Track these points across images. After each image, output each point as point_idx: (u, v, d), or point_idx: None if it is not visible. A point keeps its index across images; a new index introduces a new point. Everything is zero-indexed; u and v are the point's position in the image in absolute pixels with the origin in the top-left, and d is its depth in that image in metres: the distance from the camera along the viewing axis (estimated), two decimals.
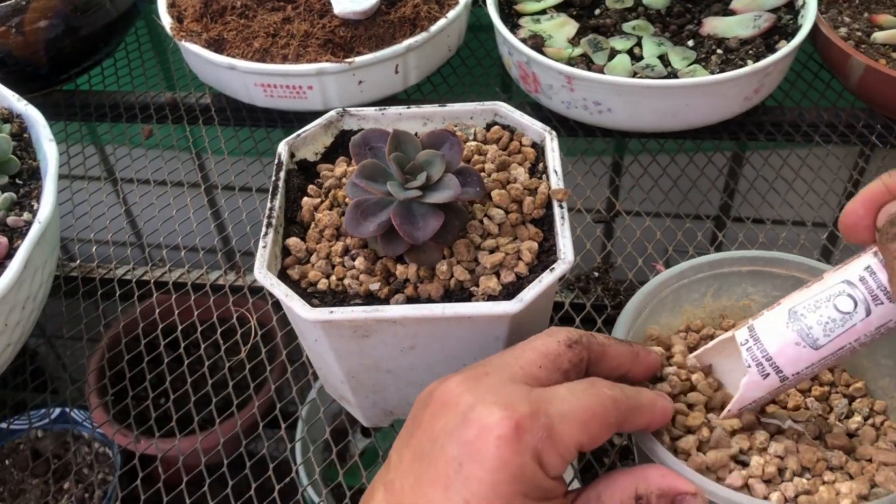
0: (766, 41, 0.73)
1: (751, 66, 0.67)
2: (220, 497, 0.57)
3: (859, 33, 0.74)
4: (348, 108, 0.57)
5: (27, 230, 0.56)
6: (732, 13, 0.77)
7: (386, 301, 0.46)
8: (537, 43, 0.73)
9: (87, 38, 0.82)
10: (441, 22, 0.75)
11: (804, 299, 0.43)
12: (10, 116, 0.65)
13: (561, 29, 0.76)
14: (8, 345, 0.56)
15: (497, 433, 0.35)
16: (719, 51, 0.72)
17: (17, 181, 0.61)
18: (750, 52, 0.71)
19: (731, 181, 0.79)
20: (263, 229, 0.49)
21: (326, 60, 0.72)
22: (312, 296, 0.47)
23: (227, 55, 0.75)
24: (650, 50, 0.73)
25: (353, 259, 0.48)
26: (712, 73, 0.69)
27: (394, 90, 0.77)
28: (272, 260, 0.48)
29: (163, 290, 0.71)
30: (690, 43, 0.74)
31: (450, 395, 0.37)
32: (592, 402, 0.37)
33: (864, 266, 0.41)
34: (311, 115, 0.58)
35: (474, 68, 0.86)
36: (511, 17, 0.79)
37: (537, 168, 0.53)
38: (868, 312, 0.41)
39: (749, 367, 0.44)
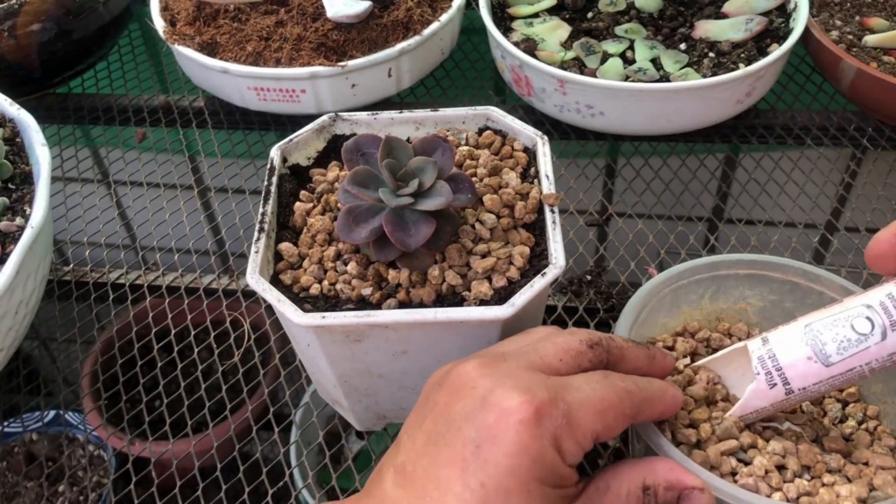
0: (758, 44, 0.73)
1: (742, 70, 0.68)
2: (214, 500, 0.57)
3: (850, 36, 0.75)
4: (341, 113, 0.57)
5: (20, 235, 0.56)
6: (724, 16, 0.77)
7: (378, 306, 0.46)
8: (530, 46, 0.74)
9: (80, 42, 0.82)
10: (434, 25, 0.76)
11: (822, 317, 0.43)
12: (2, 121, 0.65)
13: (553, 32, 0.76)
14: (1, 349, 0.56)
15: (518, 417, 0.35)
16: (711, 54, 0.73)
17: (10, 186, 0.61)
18: (742, 55, 0.72)
19: (724, 184, 0.79)
20: (255, 234, 0.49)
21: (319, 64, 0.72)
22: (305, 301, 0.47)
23: (220, 59, 0.75)
24: (642, 53, 0.73)
25: (346, 264, 0.48)
26: (704, 76, 0.69)
27: (387, 93, 0.77)
28: (264, 265, 0.48)
29: (156, 294, 0.71)
30: (683, 46, 0.74)
31: (467, 379, 0.37)
32: (608, 392, 0.38)
33: (887, 293, 0.42)
34: (304, 119, 0.59)
35: (467, 71, 0.87)
36: (504, 21, 0.79)
37: (529, 173, 0.53)
38: (884, 336, 0.41)
39: (758, 374, 0.44)
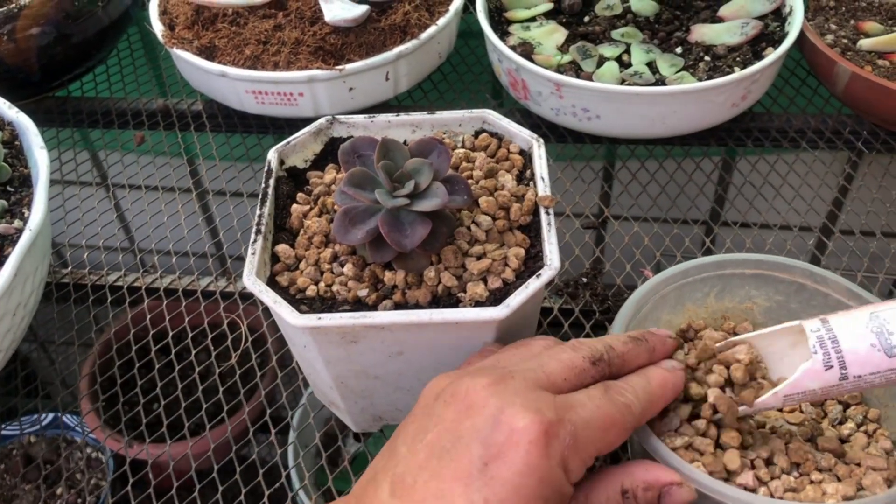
0: (754, 48, 0.73)
1: (738, 73, 0.68)
2: (211, 502, 0.57)
3: (845, 40, 0.75)
4: (338, 116, 0.57)
5: (18, 237, 0.56)
6: (720, 20, 0.77)
7: (374, 307, 0.47)
8: (526, 50, 0.74)
9: (79, 45, 0.83)
10: (431, 29, 0.76)
11: (889, 307, 0.42)
12: (1, 124, 0.66)
13: (550, 36, 0.77)
14: None
15: (528, 437, 0.36)
16: (707, 58, 0.73)
17: (9, 188, 0.62)
18: (737, 59, 0.72)
19: (719, 187, 0.79)
20: (252, 236, 0.49)
21: (317, 67, 0.72)
22: (301, 302, 0.47)
23: (219, 62, 0.75)
24: (638, 57, 0.73)
25: (342, 266, 0.48)
26: (700, 79, 0.70)
27: (384, 97, 0.78)
28: (261, 266, 0.48)
29: (154, 297, 0.71)
30: (679, 50, 0.75)
31: (477, 398, 0.38)
32: (611, 409, 0.39)
33: None
34: (302, 122, 0.59)
35: (465, 75, 0.87)
36: (501, 25, 0.79)
37: (525, 175, 0.53)
38: None
39: (815, 353, 0.42)
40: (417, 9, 0.77)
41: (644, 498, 0.40)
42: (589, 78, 0.71)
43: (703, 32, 0.76)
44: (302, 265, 0.49)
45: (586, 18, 0.80)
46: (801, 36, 0.74)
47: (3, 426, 0.86)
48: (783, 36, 0.73)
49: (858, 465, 0.47)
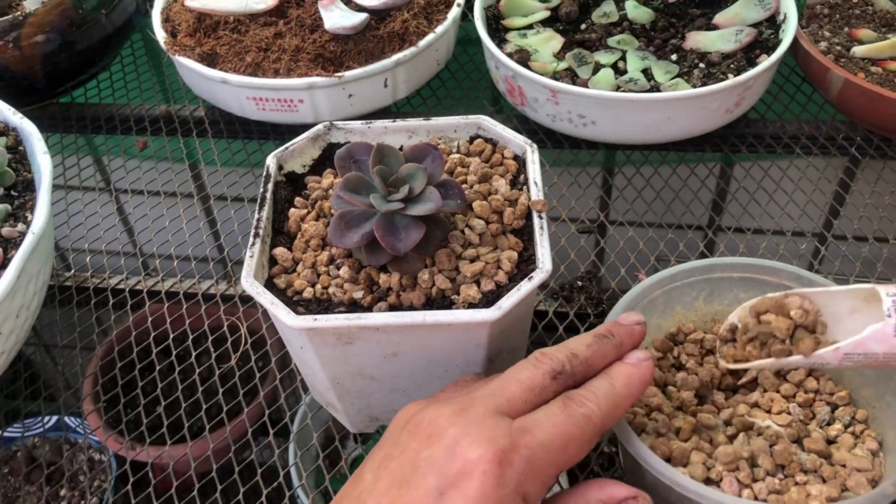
0: (748, 55, 0.74)
1: (732, 80, 0.69)
2: (209, 502, 0.58)
3: (839, 47, 0.76)
4: (335, 122, 0.58)
5: (21, 241, 0.57)
6: (715, 28, 0.78)
7: (369, 309, 0.47)
8: (523, 57, 0.75)
9: (84, 52, 0.84)
10: (429, 37, 0.77)
11: None
12: (5, 129, 0.67)
13: (547, 43, 0.78)
14: (2, 352, 0.58)
15: (482, 468, 0.36)
16: (702, 65, 0.74)
17: (12, 193, 0.63)
18: (731, 65, 0.73)
19: (714, 192, 0.80)
20: (251, 239, 0.50)
21: (317, 75, 0.73)
22: (298, 304, 0.48)
23: (220, 69, 0.76)
24: (634, 64, 0.74)
25: (338, 268, 0.49)
26: (694, 86, 0.71)
27: (383, 103, 0.79)
28: (259, 269, 0.49)
29: (156, 300, 0.72)
30: (674, 57, 0.75)
31: (437, 428, 0.38)
32: (569, 425, 0.39)
33: None
34: (301, 128, 0.60)
35: (463, 82, 0.88)
36: (498, 32, 0.80)
37: (518, 180, 0.54)
38: None
39: (889, 316, 0.41)
40: (416, 17, 0.78)
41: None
42: (585, 85, 0.72)
43: (697, 40, 0.76)
44: (299, 268, 0.50)
45: (583, 26, 0.81)
46: (795, 43, 0.75)
47: (7, 428, 0.87)
48: (777, 43, 0.74)
49: (844, 466, 0.47)
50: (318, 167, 0.57)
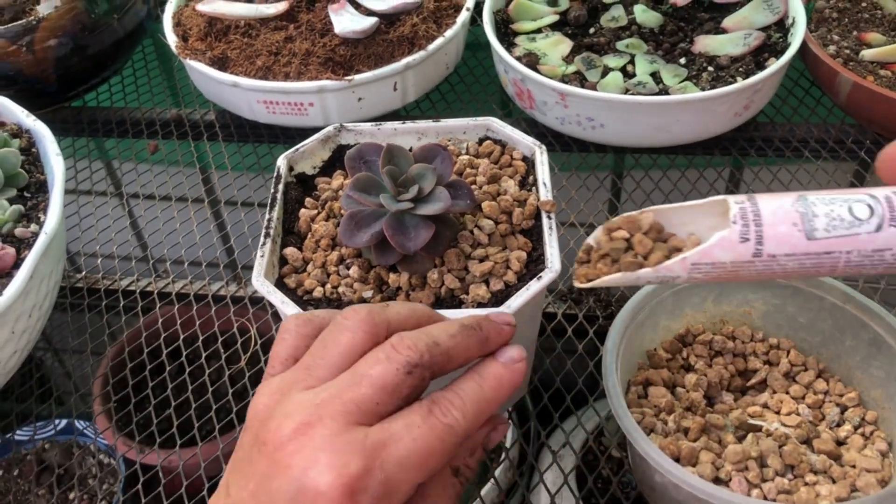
0: (756, 59, 0.74)
1: (740, 83, 0.69)
2: None
3: (848, 51, 0.76)
4: (345, 124, 0.58)
5: (34, 241, 0.57)
6: (724, 31, 0.78)
7: None
8: (532, 61, 0.75)
9: (95, 56, 0.85)
10: (439, 41, 0.77)
11: (819, 193, 0.39)
12: (19, 132, 0.68)
13: (555, 47, 0.78)
14: (15, 352, 0.58)
15: (334, 499, 0.34)
16: (710, 68, 0.74)
17: (25, 194, 0.63)
18: (740, 69, 0.73)
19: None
20: (262, 239, 0.50)
21: (327, 78, 0.74)
22: (308, 303, 0.48)
23: (231, 73, 0.77)
24: (642, 67, 0.75)
25: (348, 268, 0.50)
26: (703, 89, 0.71)
27: (392, 107, 0.79)
28: (269, 269, 0.49)
29: (166, 301, 0.73)
30: (682, 60, 0.76)
31: (283, 453, 0.35)
32: (429, 438, 0.36)
33: (894, 190, 0.38)
34: (311, 131, 0.60)
35: (472, 85, 0.88)
36: (507, 36, 0.81)
37: (527, 181, 0.54)
38: (879, 228, 0.37)
39: (734, 223, 0.39)
40: (425, 21, 0.78)
41: (473, 461, 0.41)
42: (593, 88, 0.72)
43: (706, 43, 0.77)
44: (309, 267, 0.51)
45: (591, 30, 0.81)
46: (804, 46, 0.75)
47: (17, 430, 0.88)
48: (786, 46, 0.74)
49: (854, 466, 0.47)
50: (328, 168, 0.58)
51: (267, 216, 0.52)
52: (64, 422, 0.89)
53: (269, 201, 0.53)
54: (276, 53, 0.77)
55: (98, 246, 0.76)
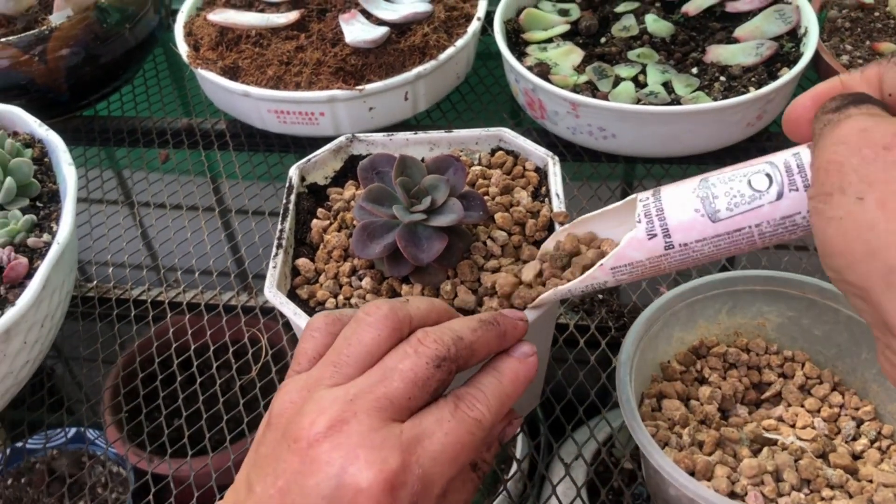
0: (769, 68, 0.74)
1: (753, 93, 0.69)
2: None
3: (861, 60, 0.76)
4: (357, 134, 0.58)
5: (46, 251, 0.57)
6: (736, 41, 0.78)
7: None
8: (543, 70, 0.75)
9: (107, 66, 0.85)
10: (450, 50, 0.77)
11: (723, 172, 0.39)
12: (31, 141, 0.68)
13: (567, 57, 0.78)
14: (27, 362, 0.58)
15: (375, 498, 0.34)
16: (722, 78, 0.74)
17: (38, 204, 0.63)
18: (752, 79, 0.73)
19: None
20: (274, 250, 0.50)
21: (338, 88, 0.74)
22: None
23: (242, 82, 0.77)
24: (654, 77, 0.74)
25: (360, 279, 0.49)
26: (715, 99, 0.71)
27: (403, 116, 0.79)
28: (282, 279, 0.49)
29: (177, 311, 0.73)
30: (694, 70, 0.75)
31: (319, 450, 0.35)
32: (461, 432, 0.37)
33: (794, 153, 0.37)
34: (322, 141, 0.60)
35: (483, 95, 0.88)
36: (518, 46, 0.81)
37: (540, 192, 0.54)
38: (779, 196, 0.37)
39: (639, 221, 0.40)
40: (436, 31, 0.78)
41: (490, 456, 0.41)
42: (605, 98, 0.72)
43: (718, 53, 0.76)
44: (321, 278, 0.50)
45: (602, 39, 0.81)
46: (817, 56, 0.75)
47: (28, 439, 0.88)
48: (798, 56, 0.74)
49: (871, 481, 0.47)
50: (340, 179, 0.58)
51: (279, 227, 0.52)
52: (73, 430, 0.89)
53: (282, 212, 0.53)
54: (287, 63, 0.77)
55: (109, 255, 0.76)
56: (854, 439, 0.51)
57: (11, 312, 0.53)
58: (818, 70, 0.78)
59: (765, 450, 0.48)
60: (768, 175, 0.37)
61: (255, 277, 0.74)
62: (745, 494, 0.45)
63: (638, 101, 0.72)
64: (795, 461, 0.47)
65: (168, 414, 0.66)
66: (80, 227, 0.79)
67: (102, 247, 0.77)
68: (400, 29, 0.78)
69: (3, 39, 0.78)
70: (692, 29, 0.81)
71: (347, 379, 0.38)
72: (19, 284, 0.57)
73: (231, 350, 0.68)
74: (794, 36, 0.78)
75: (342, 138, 0.58)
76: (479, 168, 0.56)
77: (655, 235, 0.39)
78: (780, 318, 0.56)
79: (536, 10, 0.83)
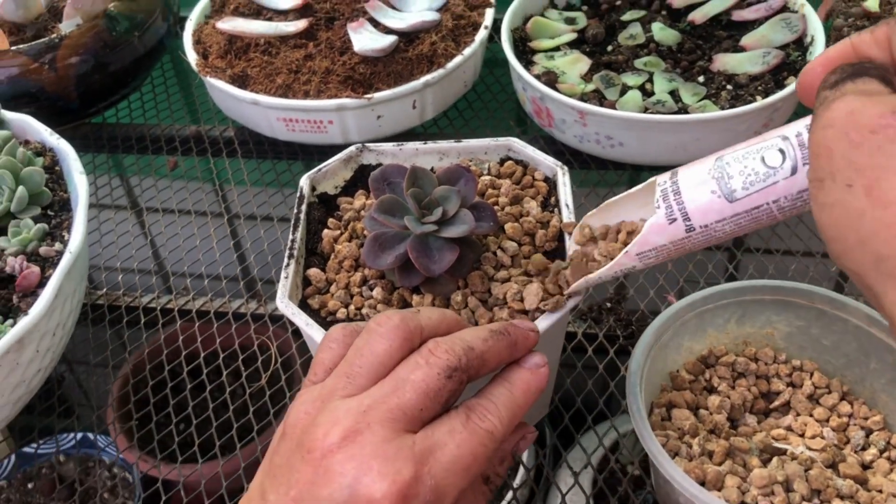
0: (776, 77, 0.74)
1: (759, 102, 0.69)
2: None
3: None
4: (367, 144, 0.59)
5: (58, 260, 0.58)
6: (742, 50, 0.79)
7: None
8: (551, 79, 0.75)
9: (116, 74, 0.85)
10: (457, 59, 0.78)
11: (736, 149, 0.39)
12: (42, 150, 0.68)
13: (574, 65, 0.78)
14: (39, 370, 0.58)
15: None
16: (729, 86, 0.74)
17: (49, 212, 0.64)
18: (759, 87, 0.73)
19: None
20: (285, 260, 0.51)
21: (346, 96, 0.74)
22: (331, 325, 0.48)
23: (251, 91, 0.77)
24: (661, 86, 0.75)
25: (371, 289, 0.50)
26: (722, 108, 0.71)
27: (411, 124, 0.79)
28: (293, 290, 0.50)
29: (186, 318, 0.73)
30: (701, 79, 0.76)
31: (332, 461, 0.35)
32: (472, 443, 0.37)
33: (805, 124, 0.37)
34: (330, 149, 0.61)
35: (490, 103, 0.89)
36: (525, 54, 0.81)
37: (549, 202, 0.54)
38: (794, 171, 0.37)
39: (658, 207, 0.40)
40: (444, 39, 0.79)
41: (503, 469, 0.41)
42: (612, 106, 0.72)
43: (725, 62, 0.77)
44: (332, 288, 0.51)
45: (609, 48, 0.81)
46: None
47: (37, 445, 0.88)
48: (804, 65, 0.74)
49: (881, 491, 0.47)
50: (350, 188, 0.58)
51: (290, 237, 0.52)
52: (80, 435, 0.89)
53: (293, 222, 0.54)
54: (295, 71, 0.77)
55: (118, 262, 0.77)
56: (863, 449, 0.51)
57: (24, 322, 0.53)
58: None
59: (774, 460, 0.48)
60: (781, 150, 0.37)
61: (265, 284, 0.74)
62: None
63: (645, 110, 0.72)
64: (805, 471, 0.47)
65: (178, 420, 0.66)
66: (90, 233, 0.79)
67: (112, 254, 0.78)
68: (408, 37, 0.79)
69: (13, 48, 0.78)
70: (699, 37, 0.81)
71: (360, 389, 0.38)
72: (31, 293, 0.57)
73: (241, 357, 0.68)
74: (800, 44, 0.78)
75: (352, 148, 0.58)
76: (488, 178, 0.56)
77: (675, 220, 0.40)
78: (788, 328, 0.56)
79: (543, 19, 0.84)
